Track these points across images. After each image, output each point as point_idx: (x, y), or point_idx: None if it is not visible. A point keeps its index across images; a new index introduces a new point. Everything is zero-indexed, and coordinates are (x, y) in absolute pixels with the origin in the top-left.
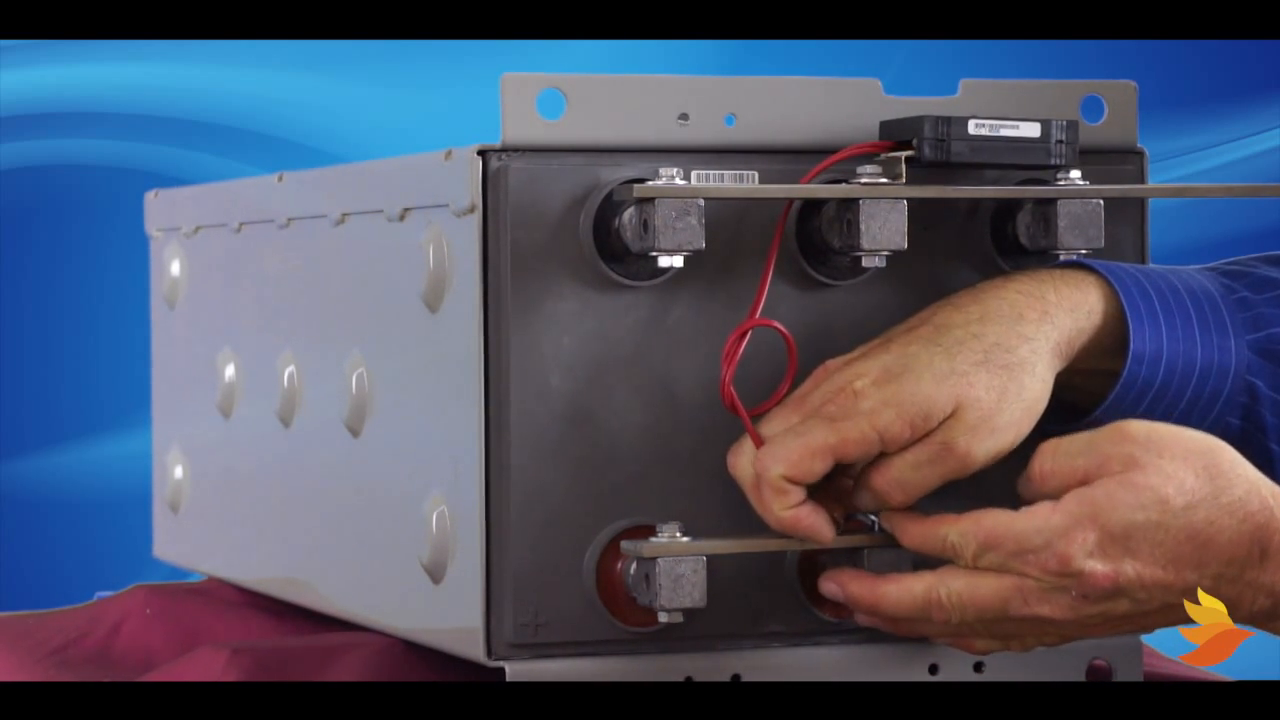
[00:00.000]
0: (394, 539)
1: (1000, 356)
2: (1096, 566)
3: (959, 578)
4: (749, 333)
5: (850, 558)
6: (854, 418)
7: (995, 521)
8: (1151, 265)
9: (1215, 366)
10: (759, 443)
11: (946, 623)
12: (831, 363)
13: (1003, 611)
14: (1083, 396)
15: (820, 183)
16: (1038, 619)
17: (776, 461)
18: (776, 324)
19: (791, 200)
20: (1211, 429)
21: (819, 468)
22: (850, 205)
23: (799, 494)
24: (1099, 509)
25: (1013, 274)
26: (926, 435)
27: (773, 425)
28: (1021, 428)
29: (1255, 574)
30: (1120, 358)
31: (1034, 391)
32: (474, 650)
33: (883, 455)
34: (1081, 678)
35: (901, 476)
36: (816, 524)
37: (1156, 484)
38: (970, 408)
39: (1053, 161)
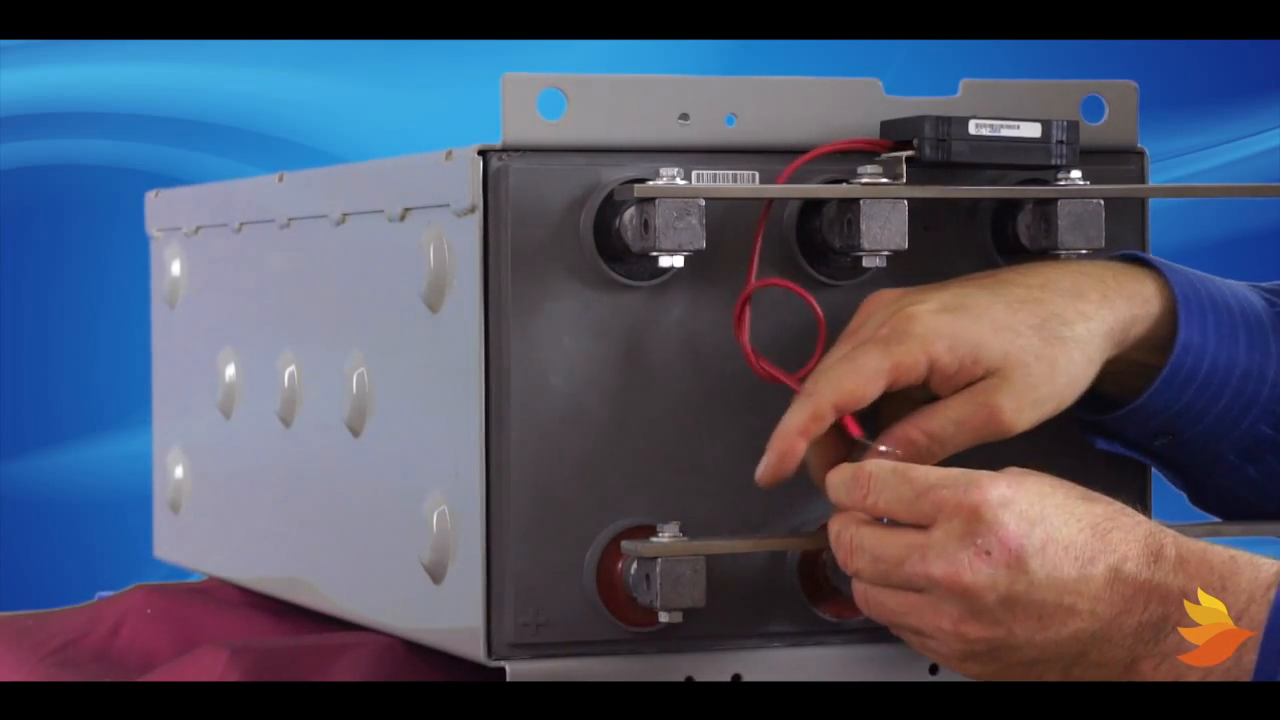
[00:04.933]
0: (394, 539)
1: (1056, 328)
2: (1009, 519)
3: (864, 525)
4: (749, 302)
5: None
6: (907, 341)
7: (921, 465)
8: (1197, 271)
9: (1256, 371)
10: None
11: (854, 569)
12: (885, 292)
13: (899, 563)
14: (1120, 390)
15: (818, 181)
16: (928, 578)
17: (829, 386)
18: (781, 281)
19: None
20: (1245, 435)
21: (872, 392)
22: (851, 205)
23: (825, 429)
24: (1019, 475)
25: (1071, 258)
26: (969, 388)
27: (826, 360)
28: (1063, 401)
29: (1149, 575)
30: (1165, 352)
31: (1081, 369)
32: (474, 650)
33: (924, 406)
34: None
35: (941, 430)
36: (789, 464)
37: (1062, 482)
38: (1019, 372)
39: (1053, 161)
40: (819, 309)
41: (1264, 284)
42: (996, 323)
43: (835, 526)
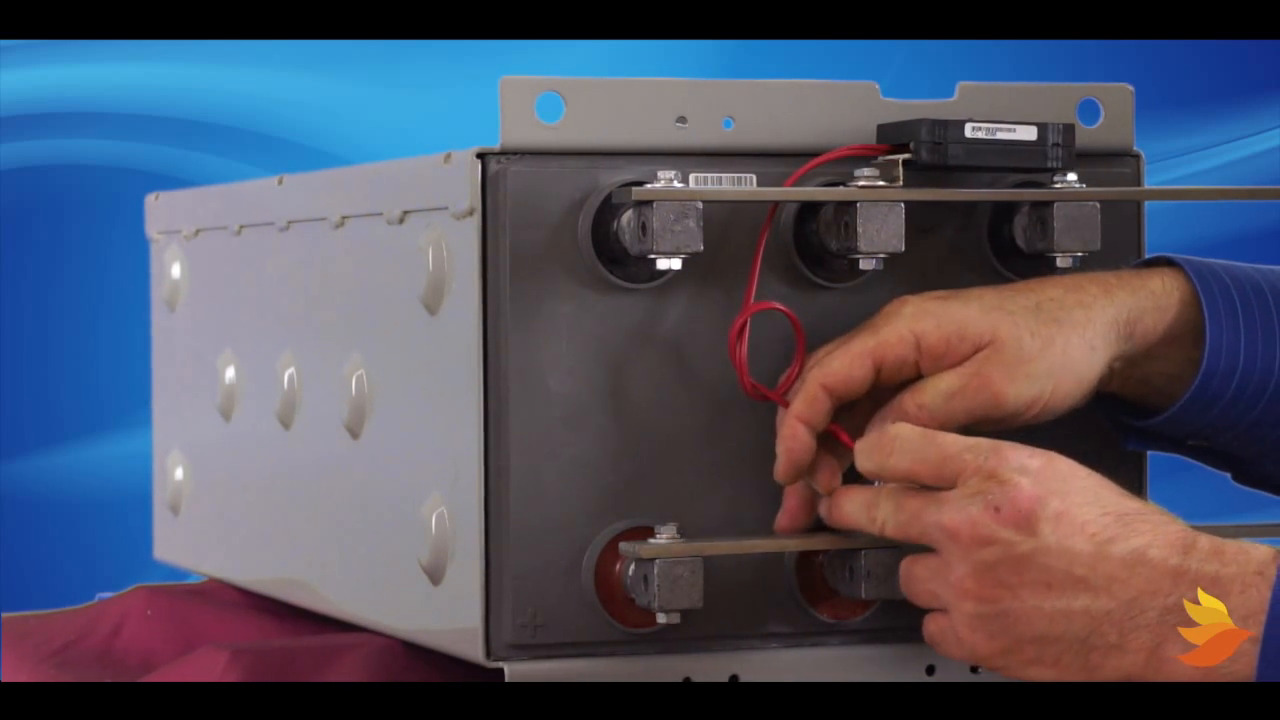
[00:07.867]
0: (393, 540)
1: (1053, 310)
2: (1024, 482)
3: (896, 494)
4: (748, 324)
5: (848, 559)
6: (894, 321)
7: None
8: (1242, 264)
9: None
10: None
11: (880, 522)
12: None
13: (918, 514)
14: (1154, 394)
15: (815, 184)
16: (940, 528)
17: (817, 369)
18: (775, 305)
19: (777, 202)
20: None
21: (858, 373)
22: (848, 208)
23: (823, 412)
24: (1051, 454)
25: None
26: (963, 363)
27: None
28: (1059, 383)
29: (1179, 561)
30: (1196, 348)
31: (1080, 352)
32: (473, 651)
33: (918, 380)
34: None
35: (932, 403)
36: (799, 450)
37: (1099, 476)
38: (1010, 343)
39: (1049, 164)
40: (800, 325)
41: None
42: (987, 305)
43: (864, 495)
